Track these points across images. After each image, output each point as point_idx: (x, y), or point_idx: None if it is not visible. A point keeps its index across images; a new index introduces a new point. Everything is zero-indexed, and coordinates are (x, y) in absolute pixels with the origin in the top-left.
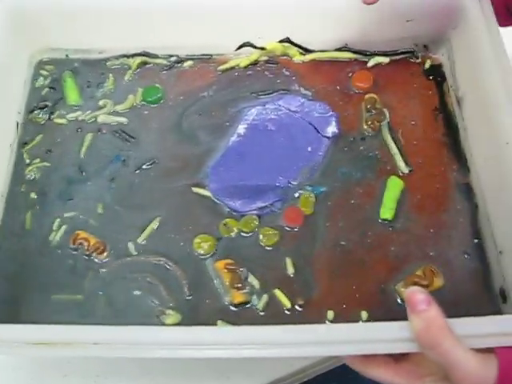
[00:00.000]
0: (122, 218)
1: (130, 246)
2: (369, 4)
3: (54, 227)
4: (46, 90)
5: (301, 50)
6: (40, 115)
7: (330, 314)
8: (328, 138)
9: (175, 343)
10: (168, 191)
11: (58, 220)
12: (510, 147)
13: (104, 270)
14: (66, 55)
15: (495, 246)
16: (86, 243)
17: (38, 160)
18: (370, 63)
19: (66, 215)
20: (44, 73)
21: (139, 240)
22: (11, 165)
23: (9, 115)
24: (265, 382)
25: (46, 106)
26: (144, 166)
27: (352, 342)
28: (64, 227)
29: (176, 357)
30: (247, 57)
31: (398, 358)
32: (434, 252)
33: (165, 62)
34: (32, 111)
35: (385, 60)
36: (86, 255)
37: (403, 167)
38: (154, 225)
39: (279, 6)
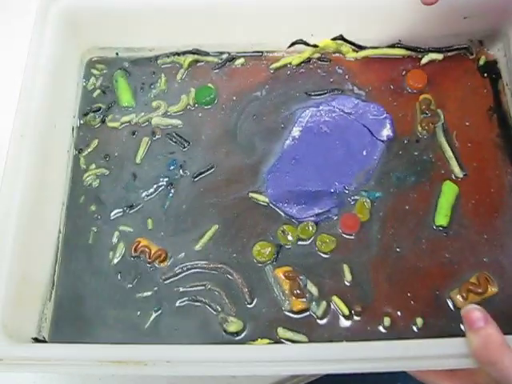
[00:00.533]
0: (181, 226)
1: (190, 253)
2: (428, 5)
3: (114, 240)
4: (99, 91)
5: (353, 47)
6: (95, 118)
7: (387, 321)
8: (383, 141)
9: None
10: (225, 198)
11: (117, 233)
12: None
13: (166, 278)
14: (116, 53)
15: None
16: (147, 251)
17: (94, 166)
18: (424, 60)
19: (124, 227)
20: (95, 72)
21: (197, 247)
22: (69, 172)
23: (65, 119)
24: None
25: (100, 108)
26: (201, 173)
27: (409, 359)
28: (123, 240)
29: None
30: (299, 54)
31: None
32: (488, 259)
33: (216, 59)
34: (86, 114)
35: (438, 57)
36: (148, 263)
37: (458, 172)
38: (212, 232)
39: (332, 2)
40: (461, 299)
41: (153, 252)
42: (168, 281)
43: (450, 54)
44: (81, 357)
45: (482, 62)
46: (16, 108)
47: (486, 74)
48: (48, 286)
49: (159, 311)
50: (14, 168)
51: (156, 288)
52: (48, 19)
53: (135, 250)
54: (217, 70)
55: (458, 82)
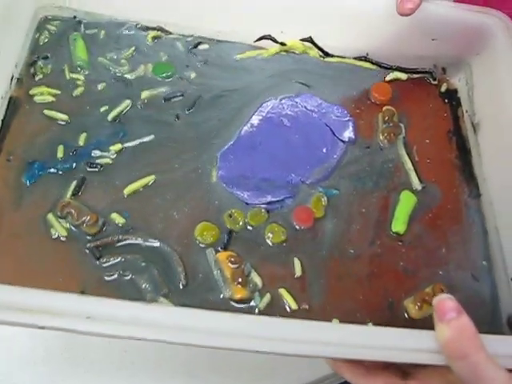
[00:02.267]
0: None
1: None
2: (404, 15)
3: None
4: (49, 46)
5: (321, 53)
6: (46, 66)
7: (335, 322)
8: (344, 142)
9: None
10: (173, 164)
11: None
12: None
13: (93, 246)
14: (74, 16)
15: (505, 273)
16: (74, 213)
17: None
18: (388, 77)
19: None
20: (50, 28)
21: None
22: None
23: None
24: None
25: (48, 57)
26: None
27: (369, 347)
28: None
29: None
30: (266, 50)
31: (405, 375)
32: (443, 271)
33: (179, 42)
34: (34, 63)
35: (402, 76)
36: (75, 226)
37: (417, 183)
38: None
39: (306, 3)
40: (415, 308)
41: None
42: (92, 245)
43: (414, 75)
44: None
45: (443, 89)
46: None
47: (446, 100)
48: None
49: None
50: None
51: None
52: None
53: (61, 210)
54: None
55: (420, 102)
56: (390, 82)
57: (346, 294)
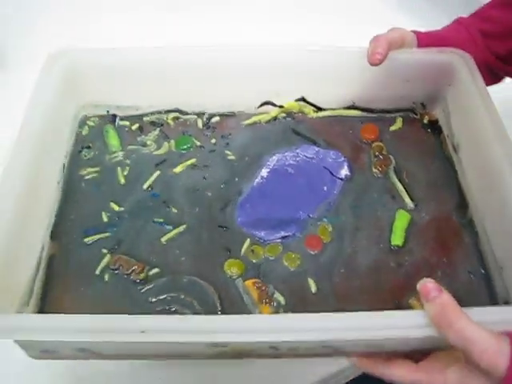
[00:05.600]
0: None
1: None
2: (374, 65)
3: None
4: (90, 138)
5: (314, 108)
6: (89, 153)
7: None
8: (341, 179)
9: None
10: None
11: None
12: (501, 179)
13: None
14: (107, 111)
15: (496, 264)
16: (125, 265)
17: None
18: (393, 128)
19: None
20: (89, 123)
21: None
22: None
23: (57, 157)
24: None
25: (90, 146)
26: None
27: (372, 329)
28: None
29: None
30: (267, 114)
31: (417, 359)
32: (442, 272)
33: (195, 118)
34: (80, 152)
35: (400, 124)
36: (125, 274)
37: (409, 203)
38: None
39: (295, 70)
40: (419, 305)
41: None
42: (143, 290)
43: (398, 114)
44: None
45: (425, 121)
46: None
47: (429, 130)
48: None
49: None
50: (7, 188)
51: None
52: (52, 73)
53: (114, 263)
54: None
55: (406, 135)
56: (378, 120)
57: (355, 301)
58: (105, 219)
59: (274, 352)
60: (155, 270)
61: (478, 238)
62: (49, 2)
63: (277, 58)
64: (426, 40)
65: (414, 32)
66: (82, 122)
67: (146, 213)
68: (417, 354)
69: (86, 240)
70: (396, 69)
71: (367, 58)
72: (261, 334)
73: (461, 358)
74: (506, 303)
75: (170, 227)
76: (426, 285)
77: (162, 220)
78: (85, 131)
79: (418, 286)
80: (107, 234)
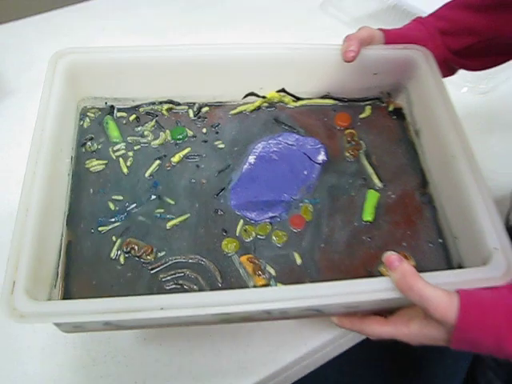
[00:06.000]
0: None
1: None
2: (348, 62)
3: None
4: (92, 129)
5: (293, 98)
6: (92, 145)
7: None
8: (319, 164)
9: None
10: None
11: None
12: (455, 160)
13: (153, 268)
14: (105, 102)
15: (451, 235)
16: (135, 247)
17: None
18: (362, 115)
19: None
20: (90, 115)
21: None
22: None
23: (66, 150)
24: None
25: (92, 137)
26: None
27: (349, 294)
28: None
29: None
30: (252, 104)
31: (386, 316)
32: (406, 243)
33: (186, 107)
34: (84, 144)
35: (369, 111)
36: (137, 257)
37: (378, 183)
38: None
39: (277, 63)
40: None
41: (140, 247)
42: (154, 270)
43: (367, 102)
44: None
45: (391, 109)
46: (31, 142)
47: (394, 117)
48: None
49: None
50: (30, 183)
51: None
52: (55, 73)
53: (126, 246)
54: (193, 118)
55: (374, 122)
56: (350, 108)
57: (335, 272)
58: (112, 208)
59: (268, 316)
60: (162, 253)
61: (437, 213)
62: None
63: (260, 55)
64: (392, 37)
65: (382, 30)
66: (83, 115)
67: (149, 202)
68: (386, 312)
69: (99, 229)
70: (366, 63)
71: (342, 56)
72: (258, 304)
73: (421, 313)
74: (460, 267)
75: (173, 216)
76: (390, 256)
77: (163, 210)
78: (86, 123)
79: (383, 258)
80: (117, 224)
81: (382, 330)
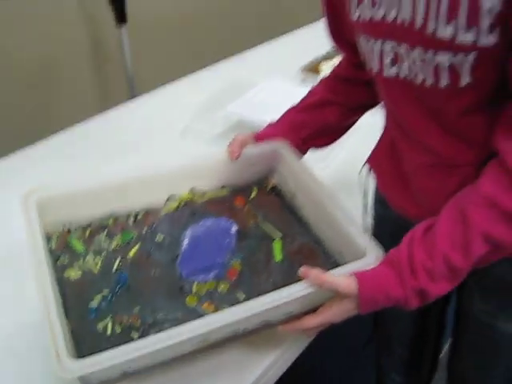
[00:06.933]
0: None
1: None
2: (233, 160)
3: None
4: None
5: (200, 194)
6: (64, 259)
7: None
8: (234, 233)
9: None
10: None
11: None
12: (322, 204)
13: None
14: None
15: (337, 252)
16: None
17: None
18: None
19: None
20: (55, 237)
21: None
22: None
23: None
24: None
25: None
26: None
27: (285, 297)
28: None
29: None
30: (172, 203)
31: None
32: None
33: (127, 218)
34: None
35: (255, 192)
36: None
37: (277, 234)
38: None
39: (185, 173)
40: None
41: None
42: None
43: (253, 186)
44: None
45: (269, 187)
46: None
47: (274, 193)
48: None
49: None
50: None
51: None
52: (28, 206)
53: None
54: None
55: (261, 198)
56: (244, 191)
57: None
58: (96, 302)
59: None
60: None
61: (323, 244)
62: None
63: (171, 172)
64: (261, 137)
65: (253, 133)
66: (49, 238)
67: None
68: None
69: (91, 318)
70: (245, 158)
71: (229, 157)
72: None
73: (337, 298)
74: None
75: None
76: (303, 270)
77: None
78: (53, 244)
79: (299, 273)
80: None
81: (315, 320)
